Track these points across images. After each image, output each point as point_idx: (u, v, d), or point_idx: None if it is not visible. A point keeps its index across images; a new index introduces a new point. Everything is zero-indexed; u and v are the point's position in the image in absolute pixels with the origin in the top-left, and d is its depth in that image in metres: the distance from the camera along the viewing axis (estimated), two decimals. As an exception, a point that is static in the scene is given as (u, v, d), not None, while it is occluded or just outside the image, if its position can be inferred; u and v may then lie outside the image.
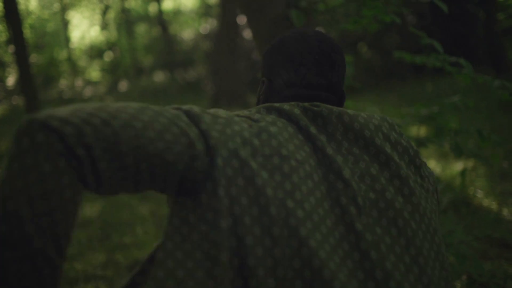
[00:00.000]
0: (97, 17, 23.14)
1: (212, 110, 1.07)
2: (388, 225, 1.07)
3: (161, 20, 19.16)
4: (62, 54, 22.34)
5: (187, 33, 20.51)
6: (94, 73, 22.20)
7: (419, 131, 2.38)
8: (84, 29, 24.86)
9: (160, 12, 19.34)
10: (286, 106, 1.13)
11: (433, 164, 4.82)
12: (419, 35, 2.11)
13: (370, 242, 1.02)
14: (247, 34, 13.43)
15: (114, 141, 0.89)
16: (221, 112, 1.07)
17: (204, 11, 19.92)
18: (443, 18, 10.67)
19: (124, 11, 20.36)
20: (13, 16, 10.62)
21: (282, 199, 0.97)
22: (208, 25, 18.00)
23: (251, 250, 0.92)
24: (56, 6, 21.99)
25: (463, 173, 2.61)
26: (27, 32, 20.98)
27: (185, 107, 1.05)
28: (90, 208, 4.85)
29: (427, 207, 1.15)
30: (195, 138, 0.98)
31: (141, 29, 22.23)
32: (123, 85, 18.72)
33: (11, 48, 14.65)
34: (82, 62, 22.83)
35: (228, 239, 0.93)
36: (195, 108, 1.05)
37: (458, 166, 4.58)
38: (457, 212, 3.34)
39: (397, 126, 1.26)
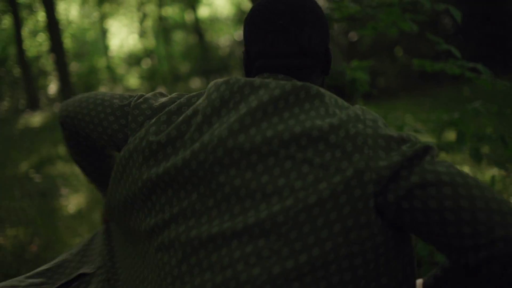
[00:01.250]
0: (135, 25, 23.57)
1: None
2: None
3: (197, 28, 19.39)
4: (101, 62, 22.82)
5: (222, 40, 20.70)
6: (133, 80, 22.60)
7: (441, 136, 2.36)
8: (122, 37, 25.36)
9: (196, 19, 19.56)
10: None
11: (466, 170, 4.75)
12: (436, 41, 2.11)
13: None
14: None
15: (76, 123, 1.42)
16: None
17: (240, 18, 20.06)
18: (480, 20, 10.49)
19: (161, 19, 20.66)
20: (54, 26, 10.95)
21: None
22: (243, 32, 18.09)
23: None
24: (96, 15, 22.48)
25: (492, 179, 2.59)
26: (67, 42, 21.56)
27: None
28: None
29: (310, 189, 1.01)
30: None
31: (178, 36, 22.52)
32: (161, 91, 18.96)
33: (52, 57, 15.06)
34: (120, 69, 23.28)
35: None
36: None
37: (493, 172, 4.51)
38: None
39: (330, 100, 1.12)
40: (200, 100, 1.18)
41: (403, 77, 11.76)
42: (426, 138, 2.54)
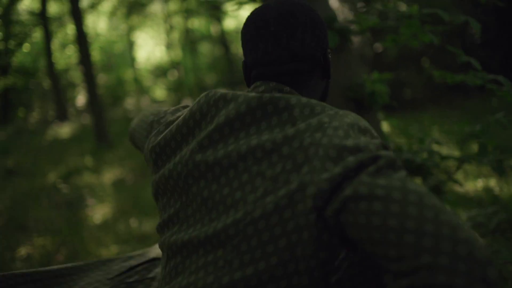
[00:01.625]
0: (162, 37, 23.82)
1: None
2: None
3: (223, 39, 19.52)
4: (128, 74, 23.10)
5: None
6: (159, 92, 22.82)
7: (463, 148, 2.35)
8: (149, 49, 25.64)
9: (222, 31, 19.70)
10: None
11: (493, 183, 4.68)
12: (456, 53, 2.10)
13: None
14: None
15: (132, 138, 1.63)
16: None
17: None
18: (509, 30, 10.35)
19: (188, 31, 20.85)
20: (82, 39, 11.14)
21: None
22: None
23: None
24: (123, 28, 22.79)
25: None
26: (95, 54, 21.89)
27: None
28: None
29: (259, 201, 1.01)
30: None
31: (204, 48, 22.68)
32: (187, 103, 19.12)
33: (80, 69, 15.30)
34: (147, 81, 23.53)
35: None
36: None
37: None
38: (505, 233, 3.25)
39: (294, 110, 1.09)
40: (186, 111, 1.23)
41: (430, 88, 11.65)
42: (450, 150, 2.52)
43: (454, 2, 9.34)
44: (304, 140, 1.01)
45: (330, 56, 1.26)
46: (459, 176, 5.30)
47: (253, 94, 1.12)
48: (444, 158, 2.13)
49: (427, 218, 0.81)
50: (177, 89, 20.52)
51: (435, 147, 2.32)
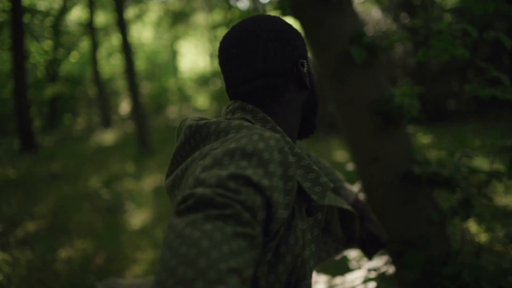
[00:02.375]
0: (205, 46, 24.12)
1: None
2: None
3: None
4: (171, 83, 23.46)
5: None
6: (201, 100, 23.09)
7: (493, 163, 2.34)
8: (192, 58, 25.98)
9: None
10: None
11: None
12: (486, 68, 2.11)
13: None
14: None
15: None
16: None
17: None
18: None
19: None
20: (126, 49, 11.42)
21: None
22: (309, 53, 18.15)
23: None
24: (167, 38, 23.18)
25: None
26: (140, 63, 22.32)
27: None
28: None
29: None
30: None
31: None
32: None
33: (124, 78, 15.65)
34: (189, 90, 23.84)
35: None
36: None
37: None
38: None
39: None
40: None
41: (476, 100, 11.46)
42: (488, 164, 2.51)
43: (498, 13, 9.19)
44: (190, 168, 1.03)
45: (306, 66, 1.23)
46: (499, 189, 5.22)
47: (189, 122, 1.13)
48: (472, 172, 2.13)
49: (165, 261, 0.80)
50: (219, 98, 20.72)
51: (466, 160, 2.31)
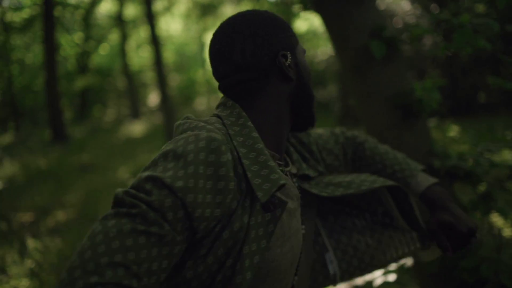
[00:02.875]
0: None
1: None
2: None
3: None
4: (199, 75, 23.58)
5: (319, 54, 20.75)
6: (229, 92, 23.13)
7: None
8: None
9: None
10: None
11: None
12: (507, 61, 2.10)
13: None
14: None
15: None
16: None
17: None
18: None
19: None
20: (155, 41, 11.53)
21: None
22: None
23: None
24: (195, 29, 23.28)
25: None
26: (168, 56, 22.48)
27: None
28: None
29: None
30: None
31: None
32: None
33: (153, 70, 15.79)
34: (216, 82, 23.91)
35: None
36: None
37: None
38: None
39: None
40: None
41: (507, 92, 11.24)
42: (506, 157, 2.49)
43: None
44: None
45: (290, 58, 1.23)
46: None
47: (178, 121, 1.18)
48: (493, 165, 2.12)
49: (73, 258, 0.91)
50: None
51: (490, 154, 2.30)
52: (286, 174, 1.26)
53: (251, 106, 1.21)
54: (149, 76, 22.26)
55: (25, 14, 16.68)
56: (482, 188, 2.23)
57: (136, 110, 18.78)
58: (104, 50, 21.52)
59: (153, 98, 22.10)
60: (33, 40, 18.03)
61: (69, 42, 19.60)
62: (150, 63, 18.97)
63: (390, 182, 1.36)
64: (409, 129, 2.15)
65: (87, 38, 19.73)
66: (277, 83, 1.22)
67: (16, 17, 16.85)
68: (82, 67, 19.97)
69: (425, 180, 1.45)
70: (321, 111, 14.36)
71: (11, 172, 9.15)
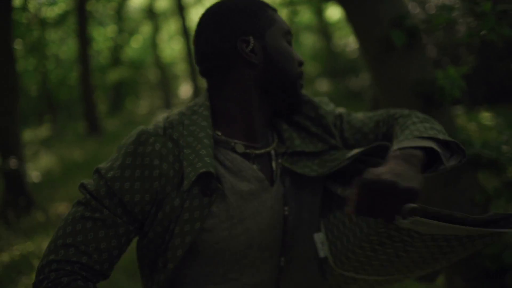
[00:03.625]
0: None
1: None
2: None
3: (325, 30, 19.41)
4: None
5: (351, 43, 20.57)
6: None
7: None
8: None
9: (325, 22, 19.58)
10: None
11: None
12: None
13: None
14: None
15: None
16: None
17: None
18: None
19: (291, 22, 20.93)
20: (186, 33, 11.64)
21: None
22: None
23: None
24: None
25: None
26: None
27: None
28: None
29: None
30: None
31: (306, 39, 22.66)
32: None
33: (185, 62, 15.90)
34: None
35: None
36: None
37: None
38: None
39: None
40: None
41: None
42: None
43: None
44: None
45: (251, 42, 1.22)
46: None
47: None
48: (516, 153, 2.12)
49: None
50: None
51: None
52: (260, 156, 1.26)
53: (218, 93, 1.25)
54: (181, 68, 22.40)
55: (59, 9, 16.97)
56: (506, 175, 2.22)
57: (168, 102, 18.94)
58: (136, 42, 21.75)
59: (185, 90, 22.24)
60: (67, 35, 18.32)
61: (102, 36, 19.86)
62: (182, 55, 19.11)
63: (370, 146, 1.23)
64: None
65: (120, 31, 19.95)
66: (241, 69, 1.23)
67: (50, 13, 17.15)
68: (115, 60, 20.23)
69: (406, 143, 1.12)
70: (353, 99, 14.25)
71: (48, 165, 9.38)
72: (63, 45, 19.26)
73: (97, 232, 1.11)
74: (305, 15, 20.04)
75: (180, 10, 11.82)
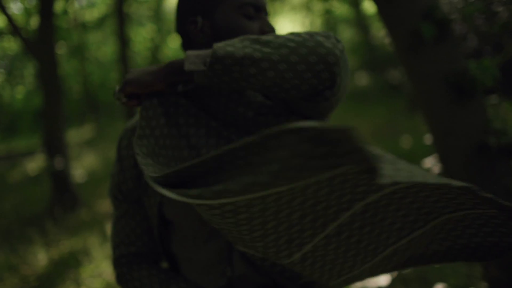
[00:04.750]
0: (301, 22, 24.06)
1: None
2: None
3: (364, 23, 19.23)
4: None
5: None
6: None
7: None
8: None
9: (362, 15, 19.39)
10: None
11: None
12: None
13: None
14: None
15: None
16: None
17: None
18: None
19: (328, 14, 20.78)
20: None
21: None
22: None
23: None
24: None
25: None
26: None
27: None
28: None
29: None
30: None
31: (344, 32, 22.50)
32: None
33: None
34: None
35: None
36: None
37: None
38: None
39: None
40: None
41: None
42: None
43: None
44: None
45: (199, 22, 1.17)
46: None
47: None
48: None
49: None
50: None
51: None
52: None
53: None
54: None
55: (98, 12, 17.30)
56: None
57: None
58: (173, 42, 21.98)
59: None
60: (107, 37, 18.64)
61: (141, 37, 20.14)
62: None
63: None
64: (463, 108, 2.16)
65: (158, 31, 20.20)
66: (198, 44, 1.20)
67: (90, 16, 17.50)
68: (154, 60, 20.48)
69: None
70: (392, 93, 14.09)
71: (92, 164, 9.61)
72: (103, 47, 19.61)
73: (129, 223, 1.27)
74: (342, 8, 19.90)
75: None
